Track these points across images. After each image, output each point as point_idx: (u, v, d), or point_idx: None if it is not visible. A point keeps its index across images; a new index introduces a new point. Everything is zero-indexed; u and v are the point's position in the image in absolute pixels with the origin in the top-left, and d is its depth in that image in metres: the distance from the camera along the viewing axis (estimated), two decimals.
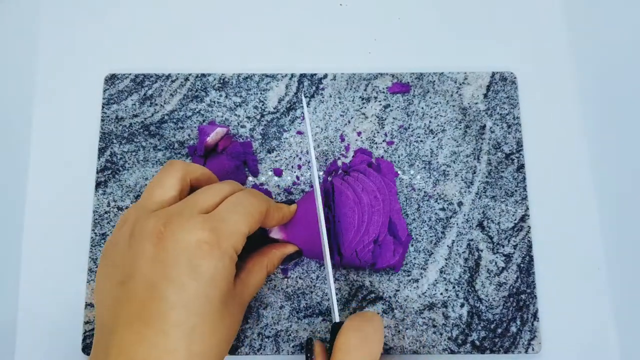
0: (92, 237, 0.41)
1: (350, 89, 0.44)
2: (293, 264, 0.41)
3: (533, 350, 0.39)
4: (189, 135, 0.43)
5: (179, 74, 0.44)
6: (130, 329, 0.27)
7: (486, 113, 0.44)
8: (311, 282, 0.40)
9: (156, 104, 0.44)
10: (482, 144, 0.43)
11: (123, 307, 0.28)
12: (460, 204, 0.42)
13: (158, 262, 0.28)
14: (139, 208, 0.31)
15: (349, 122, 0.43)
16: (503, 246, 0.41)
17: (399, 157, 0.43)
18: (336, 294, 0.40)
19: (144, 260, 0.28)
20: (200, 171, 0.34)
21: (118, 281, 0.29)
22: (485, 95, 0.44)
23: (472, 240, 0.41)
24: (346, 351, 0.29)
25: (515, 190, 0.42)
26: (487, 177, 0.42)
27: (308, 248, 0.37)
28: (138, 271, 0.28)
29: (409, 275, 0.40)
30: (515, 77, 0.44)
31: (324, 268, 0.38)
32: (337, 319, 0.34)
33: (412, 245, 0.41)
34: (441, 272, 0.41)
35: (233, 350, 0.39)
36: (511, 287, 0.40)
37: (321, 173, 0.42)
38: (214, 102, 0.44)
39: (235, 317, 0.31)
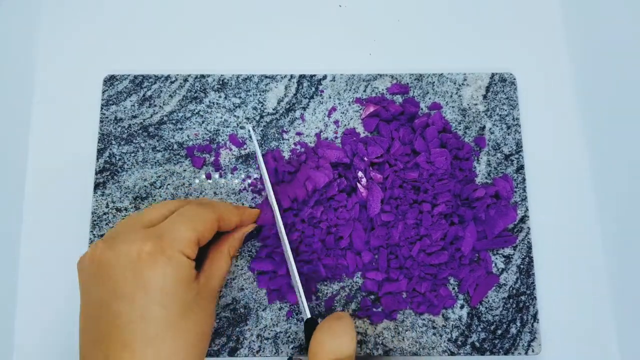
0: (90, 239, 0.41)
1: (350, 90, 0.44)
2: None
3: (533, 351, 0.39)
4: (188, 136, 0.43)
5: (178, 75, 0.44)
6: (96, 348, 0.28)
7: (485, 114, 0.44)
8: None
9: (155, 105, 0.44)
10: (481, 144, 0.43)
11: (86, 329, 0.29)
12: None
13: (104, 280, 0.28)
14: None
15: (349, 123, 0.43)
16: (503, 247, 0.41)
17: None
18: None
19: (91, 281, 0.29)
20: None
21: (81, 308, 0.30)
22: (485, 97, 0.44)
23: None
24: (319, 345, 0.32)
25: (515, 191, 0.42)
26: (486, 178, 0.42)
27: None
28: (88, 292, 0.29)
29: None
30: (514, 78, 0.44)
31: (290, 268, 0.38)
32: (307, 315, 0.35)
33: None
34: None
35: (232, 352, 0.39)
36: (511, 289, 0.40)
37: None
38: (213, 103, 0.44)
39: (205, 309, 0.31)
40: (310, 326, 0.34)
